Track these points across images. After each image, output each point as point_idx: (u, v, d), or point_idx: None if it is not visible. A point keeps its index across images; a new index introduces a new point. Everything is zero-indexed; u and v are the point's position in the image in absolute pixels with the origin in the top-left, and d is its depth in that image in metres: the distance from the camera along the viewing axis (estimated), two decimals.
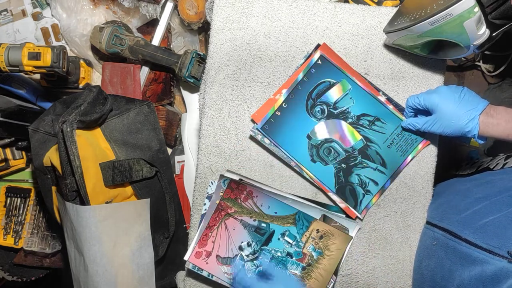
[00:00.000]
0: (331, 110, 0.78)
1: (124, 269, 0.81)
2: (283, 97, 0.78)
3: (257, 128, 0.78)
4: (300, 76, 0.78)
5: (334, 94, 0.79)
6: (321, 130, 0.78)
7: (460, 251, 0.66)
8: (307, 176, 0.78)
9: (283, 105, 0.78)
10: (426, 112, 0.74)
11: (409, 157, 0.80)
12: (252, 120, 0.80)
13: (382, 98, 0.79)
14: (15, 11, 1.09)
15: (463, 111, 0.66)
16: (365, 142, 0.78)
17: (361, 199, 0.78)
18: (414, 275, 0.79)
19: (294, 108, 0.78)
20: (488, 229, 0.63)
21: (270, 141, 0.77)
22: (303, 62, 0.79)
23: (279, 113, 0.78)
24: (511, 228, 0.59)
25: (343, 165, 0.78)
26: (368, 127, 0.79)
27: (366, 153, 0.78)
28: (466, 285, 0.62)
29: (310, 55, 0.79)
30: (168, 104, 1.06)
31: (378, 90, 0.79)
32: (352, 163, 0.78)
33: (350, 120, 0.78)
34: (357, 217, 0.78)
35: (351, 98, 0.79)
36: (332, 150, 0.78)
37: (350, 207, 0.78)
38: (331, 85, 0.78)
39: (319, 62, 0.78)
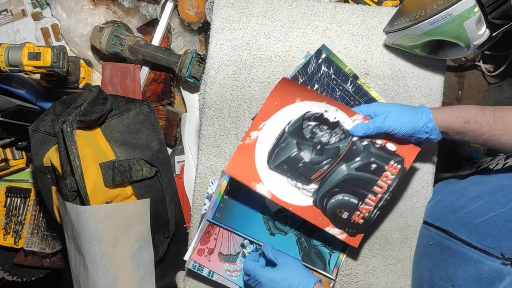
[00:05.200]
0: None
1: (124, 269, 0.81)
2: (225, 180, 0.77)
3: (208, 220, 0.76)
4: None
5: None
6: (272, 202, 0.74)
7: (455, 250, 0.66)
8: None
9: (228, 187, 0.77)
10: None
11: None
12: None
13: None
14: (15, 11, 1.09)
15: (411, 107, 0.70)
16: None
17: (329, 259, 0.77)
18: (413, 274, 0.79)
19: (240, 188, 0.74)
20: (482, 229, 0.63)
21: (227, 228, 0.76)
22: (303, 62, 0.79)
23: (226, 196, 0.76)
24: (505, 229, 0.60)
25: (302, 230, 0.76)
26: None
27: None
28: (462, 286, 0.62)
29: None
30: (168, 104, 1.06)
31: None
32: (310, 226, 0.74)
33: None
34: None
35: None
36: (288, 218, 0.76)
37: (320, 270, 0.76)
38: None
39: None
